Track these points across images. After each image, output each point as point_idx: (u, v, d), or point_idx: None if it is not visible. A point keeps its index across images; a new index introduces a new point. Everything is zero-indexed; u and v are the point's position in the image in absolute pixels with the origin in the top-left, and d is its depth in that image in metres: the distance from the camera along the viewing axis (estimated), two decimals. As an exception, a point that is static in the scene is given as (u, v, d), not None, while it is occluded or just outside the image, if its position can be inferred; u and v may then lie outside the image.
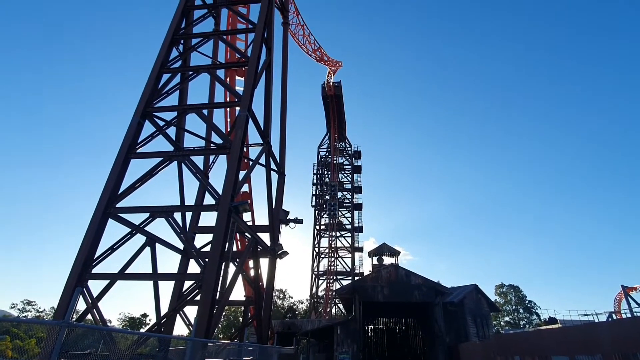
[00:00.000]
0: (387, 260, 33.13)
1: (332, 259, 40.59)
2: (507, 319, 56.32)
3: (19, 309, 42.33)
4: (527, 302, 56.55)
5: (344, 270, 40.85)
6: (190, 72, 11.69)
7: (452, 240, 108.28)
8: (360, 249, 42.85)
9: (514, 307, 57.22)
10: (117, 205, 9.49)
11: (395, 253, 33.80)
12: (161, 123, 10.74)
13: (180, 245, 10.36)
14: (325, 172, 46.70)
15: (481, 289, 27.48)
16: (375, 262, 34.04)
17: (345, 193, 46.51)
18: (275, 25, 13.59)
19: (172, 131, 11.46)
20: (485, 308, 26.64)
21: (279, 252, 12.74)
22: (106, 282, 9.05)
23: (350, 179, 47.36)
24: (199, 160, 12.64)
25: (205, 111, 11.67)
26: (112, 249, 9.23)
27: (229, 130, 14.58)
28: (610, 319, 18.61)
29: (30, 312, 42.31)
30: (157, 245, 9.69)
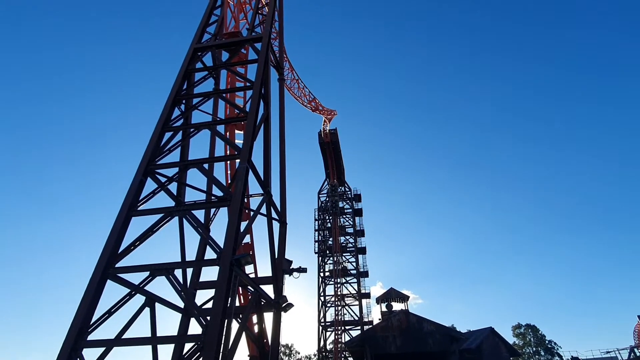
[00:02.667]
0: (396, 306, 31.75)
1: (339, 308, 38.86)
2: (529, 363, 52.59)
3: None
4: (547, 342, 53.16)
5: (352, 319, 38.91)
6: (192, 129, 12.13)
7: (462, 279, 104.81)
8: (368, 295, 41.25)
9: (534, 348, 53.64)
10: (117, 265, 9.29)
11: (404, 298, 32.48)
12: (163, 179, 10.90)
13: (181, 304, 9.98)
14: (327, 217, 46.42)
15: (498, 332, 26.01)
16: (384, 308, 32.61)
17: (348, 237, 45.87)
18: (271, 81, 14.38)
19: (173, 186, 11.59)
20: (504, 353, 25.00)
21: (284, 305, 12.22)
22: (102, 349, 8.55)
23: (352, 223, 46.98)
24: (200, 214, 12.64)
25: (206, 165, 11.92)
26: (109, 313, 8.86)
27: (229, 182, 14.76)
28: (632, 355, 17.38)
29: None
30: (157, 304, 9.34)
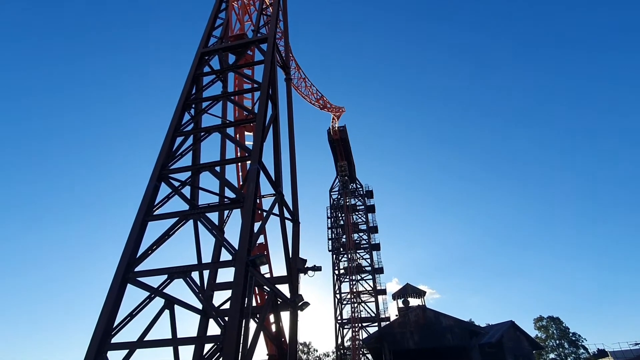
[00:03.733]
0: (413, 301, 31.54)
1: (355, 305, 38.81)
2: (552, 355, 51.40)
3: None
4: (570, 334, 51.76)
5: (369, 316, 38.81)
6: (202, 133, 12.27)
7: (480, 271, 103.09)
8: (384, 292, 41.02)
9: (557, 341, 52.35)
10: (136, 270, 9.50)
11: (420, 293, 32.23)
12: (176, 184, 11.08)
13: (199, 305, 10.14)
14: (339, 215, 46.37)
15: (518, 325, 25.53)
16: (400, 304, 32.43)
17: (361, 234, 45.72)
18: (278, 81, 14.41)
19: (186, 190, 11.76)
20: (526, 346, 24.55)
21: (300, 304, 12.28)
22: (126, 351, 8.78)
23: (364, 219, 46.78)
24: (213, 217, 12.77)
25: (217, 168, 12.04)
26: (131, 315, 9.08)
27: (241, 184, 14.88)
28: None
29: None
30: (176, 307, 9.52)
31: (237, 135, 15.53)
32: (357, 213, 46.78)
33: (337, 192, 48.39)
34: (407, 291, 32.35)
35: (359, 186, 48.96)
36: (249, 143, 14.67)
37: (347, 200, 46.41)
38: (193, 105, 13.08)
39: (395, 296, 33.73)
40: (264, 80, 12.36)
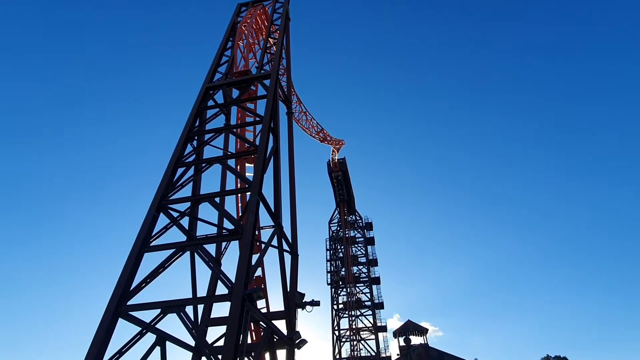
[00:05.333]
0: (415, 339, 30.35)
1: (355, 343, 37.23)
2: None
3: None
4: (580, 377, 49.28)
5: (369, 355, 37.11)
6: (203, 164, 12.42)
7: (484, 308, 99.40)
8: (384, 329, 39.53)
9: (566, 384, 49.74)
10: (129, 303, 9.23)
11: (422, 331, 31.06)
12: (175, 214, 11.04)
13: (192, 342, 9.74)
14: (338, 247, 45.71)
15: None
16: (402, 342, 31.16)
17: (361, 267, 44.82)
18: (280, 115, 14.82)
19: (185, 221, 11.71)
20: (535, 391, 23.22)
21: (297, 341, 11.79)
22: (112, 392, 8.32)
23: (364, 252, 46.05)
24: (211, 248, 12.63)
25: (217, 199, 12.06)
26: (120, 353, 8.69)
27: (240, 215, 14.83)
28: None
29: None
30: (168, 343, 9.14)
31: (238, 167, 15.70)
32: (356, 245, 46.17)
33: (336, 224, 48.04)
34: (409, 328, 31.21)
35: (358, 218, 48.71)
36: (249, 174, 14.82)
37: (347, 232, 45.98)
38: (196, 137, 13.36)
39: (397, 334, 32.48)
40: (266, 114, 12.72)
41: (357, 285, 42.59)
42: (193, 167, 12.48)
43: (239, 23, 17.79)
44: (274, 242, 12.09)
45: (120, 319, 9.02)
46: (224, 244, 13.10)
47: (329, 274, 43.57)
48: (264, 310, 13.64)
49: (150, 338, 9.15)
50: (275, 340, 10.70)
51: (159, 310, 9.19)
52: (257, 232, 14.05)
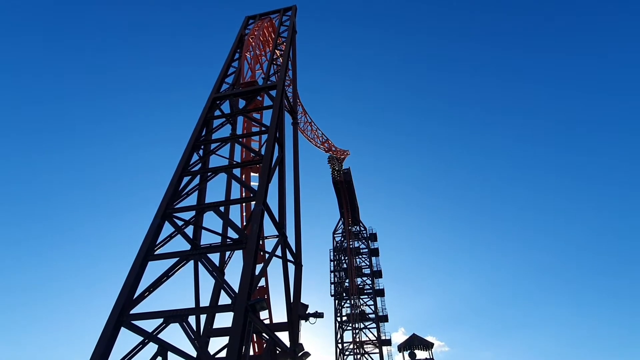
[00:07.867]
0: (420, 354, 29.76)
1: (358, 356, 36.57)
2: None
3: None
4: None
5: (373, 369, 36.38)
6: (209, 173, 12.50)
7: (493, 323, 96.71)
8: (389, 342, 38.84)
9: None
10: (131, 312, 9.18)
11: (428, 345, 30.49)
12: (180, 223, 11.06)
13: (194, 352, 9.62)
14: (342, 258, 45.35)
15: (535, 385, 23.62)
16: (406, 357, 30.54)
17: (364, 278, 44.33)
18: (286, 125, 14.92)
19: (189, 230, 11.72)
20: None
21: (300, 354, 11.60)
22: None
23: (368, 263, 45.63)
24: (215, 257, 12.59)
25: (222, 208, 12.08)
26: (121, 363, 8.61)
27: (244, 224, 14.83)
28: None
29: None
30: (169, 353, 9.03)
31: (243, 176, 15.77)
32: (360, 256, 45.76)
33: (340, 234, 47.76)
34: (414, 342, 30.63)
35: (362, 229, 48.41)
36: (254, 183, 14.85)
37: (351, 242, 45.65)
38: (202, 146, 13.48)
39: (401, 348, 31.88)
40: (271, 124, 12.83)
41: (361, 297, 42.06)
42: (199, 175, 12.56)
43: (247, 35, 18.11)
44: (278, 252, 12.04)
45: (122, 328, 8.96)
46: (227, 253, 13.06)
47: (332, 285, 43.12)
48: (267, 321, 13.48)
49: (152, 348, 9.07)
50: (277, 352, 10.55)
51: (161, 320, 9.12)
52: (261, 242, 13.99)
